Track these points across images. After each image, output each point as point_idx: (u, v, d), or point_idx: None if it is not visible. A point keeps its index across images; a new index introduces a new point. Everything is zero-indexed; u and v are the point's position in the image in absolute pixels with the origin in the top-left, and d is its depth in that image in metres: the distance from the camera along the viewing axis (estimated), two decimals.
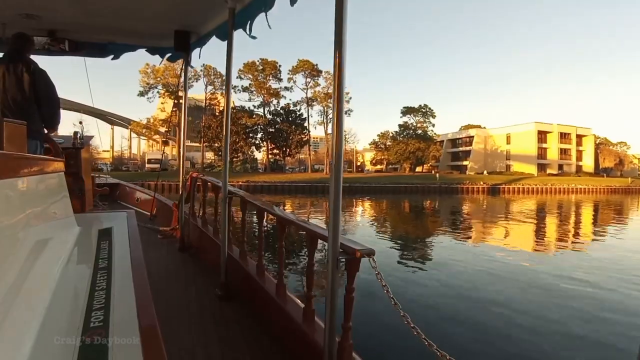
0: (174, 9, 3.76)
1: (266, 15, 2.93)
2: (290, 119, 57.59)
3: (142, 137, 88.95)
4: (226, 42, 3.46)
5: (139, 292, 1.28)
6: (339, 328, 1.99)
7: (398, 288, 7.91)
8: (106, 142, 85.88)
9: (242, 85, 57.50)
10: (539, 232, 18.47)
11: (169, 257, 4.74)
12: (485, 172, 62.95)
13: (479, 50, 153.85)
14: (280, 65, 56.55)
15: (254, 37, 3.25)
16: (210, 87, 57.76)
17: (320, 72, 57.09)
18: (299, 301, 2.68)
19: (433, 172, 63.29)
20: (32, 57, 3.59)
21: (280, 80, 57.64)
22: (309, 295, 2.43)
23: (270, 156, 60.68)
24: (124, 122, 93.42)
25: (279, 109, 58.74)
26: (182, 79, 5.27)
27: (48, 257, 1.42)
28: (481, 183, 48.02)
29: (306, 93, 58.11)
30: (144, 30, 4.35)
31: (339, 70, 1.89)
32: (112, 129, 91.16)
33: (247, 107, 57.71)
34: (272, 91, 56.78)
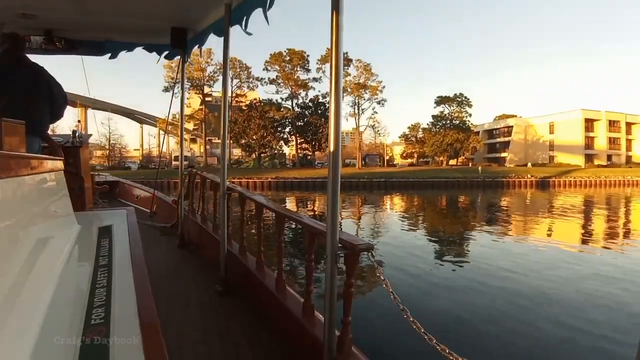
0: (170, 5, 3.80)
1: (265, 13, 2.90)
2: (319, 111, 55.96)
3: (170, 134, 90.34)
4: (222, 38, 3.49)
5: (139, 288, 1.30)
6: (338, 323, 2.02)
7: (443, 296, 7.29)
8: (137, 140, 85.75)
9: (268, 78, 56.51)
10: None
11: (169, 253, 4.80)
12: (529, 164, 58.08)
13: (509, 35, 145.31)
14: (308, 55, 54.73)
15: (249, 33, 3.26)
16: (236, 81, 56.46)
17: (350, 60, 55.03)
18: (299, 296, 2.72)
19: (470, 164, 60.66)
20: (30, 56, 3.59)
21: (308, 70, 56.06)
22: (309, 290, 2.45)
23: (299, 151, 58.94)
24: (152, 121, 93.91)
25: (307, 101, 55.87)
26: (179, 76, 5.26)
27: (48, 255, 1.44)
28: (528, 176, 44.70)
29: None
30: (140, 27, 4.37)
31: (335, 62, 1.92)
32: (141, 127, 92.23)
33: (274, 100, 56.53)
34: (300, 82, 53.56)
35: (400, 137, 67.84)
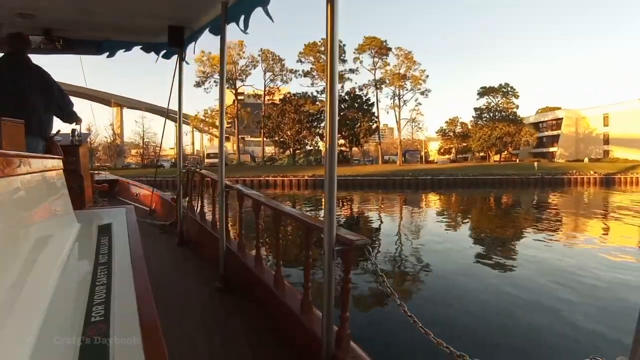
0: (167, 4, 3.85)
1: (265, 9, 2.90)
2: (356, 104, 53.71)
3: (202, 132, 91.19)
4: (219, 36, 3.57)
5: (139, 286, 1.33)
6: (337, 319, 2.06)
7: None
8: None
9: (302, 70, 55.13)
10: None
11: (169, 251, 4.89)
12: (586, 159, 52.80)
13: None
14: (344, 45, 51.90)
15: (245, 32, 3.29)
16: (268, 74, 54.98)
17: (389, 49, 52.68)
18: (297, 292, 2.76)
19: (518, 160, 57.44)
20: (30, 56, 3.67)
21: (344, 61, 53.45)
22: (307, 286, 2.51)
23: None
24: (186, 119, 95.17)
25: (343, 94, 52.50)
26: (176, 76, 5.16)
27: (49, 253, 1.47)
28: (591, 172, 40.70)
29: (374, 74, 50.99)
30: (137, 26, 4.43)
31: (330, 54, 1.93)
32: (177, 126, 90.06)
33: (309, 93, 54.91)
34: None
35: (437, 132, 64.61)
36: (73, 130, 4.91)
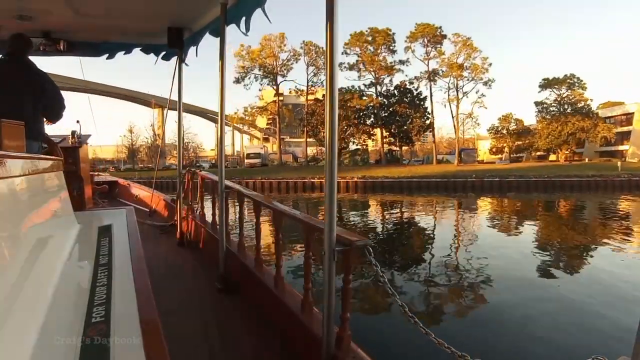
0: (166, 5, 3.87)
1: (264, 10, 2.94)
2: (406, 99, 50.03)
3: (243, 133, 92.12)
4: (219, 38, 3.63)
5: (139, 286, 1.36)
6: (337, 319, 2.10)
7: None
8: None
9: (348, 63, 51.71)
10: None
11: (168, 251, 4.97)
12: None
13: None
14: (394, 33, 48.24)
15: (246, 34, 3.35)
16: (311, 68, 52.75)
17: (444, 36, 48.84)
18: (297, 292, 2.81)
19: (587, 160, 51.88)
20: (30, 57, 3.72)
21: (393, 52, 47.85)
22: (307, 287, 2.55)
23: (384, 146, 53.46)
24: (226, 120, 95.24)
25: (391, 88, 48.22)
26: (175, 78, 5.26)
27: (49, 254, 1.50)
28: None
29: (427, 65, 46.26)
30: (137, 28, 4.45)
31: (330, 46, 1.90)
32: (217, 127, 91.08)
33: (356, 87, 51.70)
34: (385, 65, 45.74)
35: (489, 130, 59.43)
36: (73, 132, 5.07)
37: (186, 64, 4.98)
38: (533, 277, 8.46)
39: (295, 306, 2.59)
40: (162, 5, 3.84)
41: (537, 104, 54.79)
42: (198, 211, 5.49)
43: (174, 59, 5.01)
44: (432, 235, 14.38)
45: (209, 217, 5.14)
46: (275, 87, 53.14)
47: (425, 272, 9.17)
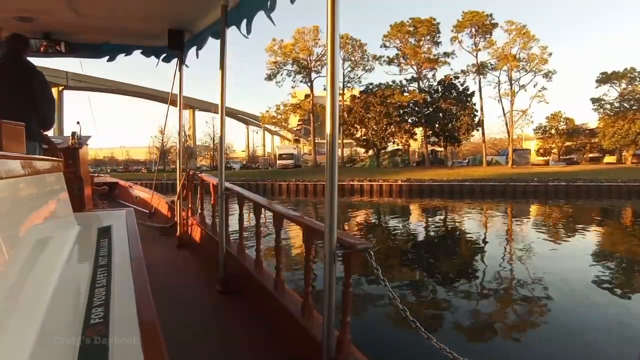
0: (167, 7, 3.94)
1: (268, 15, 2.97)
2: (450, 94, 46.45)
3: (273, 134, 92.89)
4: (219, 40, 3.68)
5: (139, 288, 1.35)
6: (338, 323, 2.11)
7: None
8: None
9: (387, 56, 48.64)
10: None
11: (168, 253, 5.02)
12: None
13: None
14: (438, 23, 45.87)
15: (246, 36, 3.41)
16: (347, 63, 49.68)
17: (495, 25, 44.41)
18: (298, 296, 2.85)
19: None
20: (30, 59, 3.79)
21: (437, 43, 44.44)
22: (308, 290, 2.58)
23: (427, 146, 50.06)
24: (257, 121, 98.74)
25: (434, 83, 44.77)
26: (176, 80, 5.32)
27: (48, 255, 1.52)
28: None
29: (476, 57, 42.08)
30: (137, 30, 4.52)
31: (332, 45, 1.91)
32: (247, 128, 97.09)
33: (397, 82, 48.72)
34: (429, 58, 42.15)
35: (535, 130, 54.80)
36: (73, 133, 5.14)
37: (186, 66, 5.08)
38: None
39: (295, 309, 2.61)
40: (163, 6, 3.90)
41: (594, 100, 49.42)
42: (198, 213, 5.56)
43: (174, 61, 5.13)
44: (504, 254, 11.45)
45: (209, 219, 5.21)
46: (309, 84, 50.67)
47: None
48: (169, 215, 6.46)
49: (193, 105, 73.66)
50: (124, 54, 4.98)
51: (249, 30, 3.30)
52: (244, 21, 3.30)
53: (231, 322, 3.00)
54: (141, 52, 5.02)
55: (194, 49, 4.65)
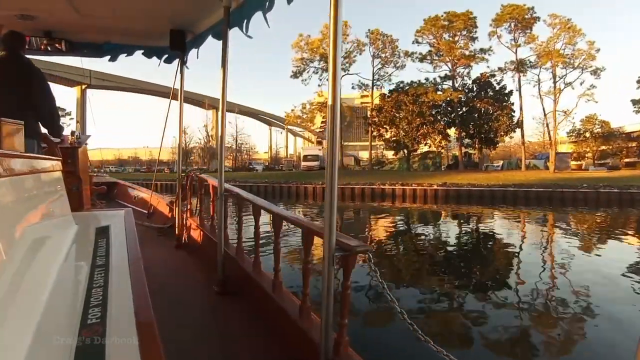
0: (169, 7, 3.99)
1: (265, 16, 3.06)
2: (485, 93, 43.93)
3: (296, 136, 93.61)
4: (221, 41, 3.70)
5: (136, 288, 1.37)
6: (335, 325, 2.14)
7: None
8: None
9: (419, 53, 46.68)
10: None
11: (166, 254, 5.06)
12: None
13: None
14: (475, 17, 43.96)
15: (250, 37, 3.47)
16: (377, 61, 48.42)
17: (537, 19, 41.76)
18: (295, 298, 2.88)
19: None
20: (30, 57, 3.89)
21: (474, 39, 42.23)
22: (306, 292, 2.62)
23: (462, 148, 47.64)
24: (280, 122, 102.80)
25: (468, 81, 43.12)
26: (177, 79, 5.35)
27: (46, 255, 1.54)
28: None
29: (515, 53, 39.38)
30: (139, 30, 4.59)
31: (334, 44, 1.93)
32: (270, 129, 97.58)
33: (430, 80, 46.47)
34: (465, 54, 39.86)
35: (568, 134, 52.39)
36: (72, 132, 5.13)
37: (187, 67, 5.12)
38: None
39: (293, 311, 2.65)
40: (165, 6, 3.94)
41: (634, 102, 46.45)
42: (197, 214, 5.61)
43: (176, 62, 5.24)
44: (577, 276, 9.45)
45: (207, 220, 5.28)
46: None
47: None
48: (168, 216, 6.50)
49: (217, 105, 73.67)
50: (126, 55, 5.02)
51: (246, 29, 3.36)
52: (245, 22, 3.35)
53: (229, 323, 3.04)
54: (142, 53, 5.07)
55: (194, 49, 4.70)
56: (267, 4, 2.94)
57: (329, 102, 1.92)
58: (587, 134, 50.67)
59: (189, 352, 2.51)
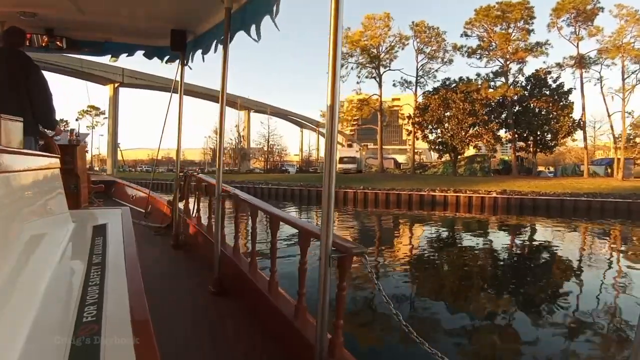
0: (170, 7, 4.07)
1: (273, 20, 2.95)
2: (541, 91, 40.14)
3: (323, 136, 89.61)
4: (223, 42, 3.75)
5: (132, 287, 1.38)
6: (331, 326, 2.17)
7: None
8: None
9: (468, 47, 42.90)
10: None
11: (163, 253, 5.10)
12: None
13: None
14: (532, 6, 39.75)
15: (256, 40, 3.36)
16: (420, 57, 45.08)
17: (600, 9, 37.44)
18: (291, 298, 2.90)
19: None
20: (31, 54, 3.88)
21: (530, 31, 40.47)
22: (301, 293, 2.63)
23: (516, 152, 43.23)
24: (311, 124, 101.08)
25: (522, 77, 41.00)
26: (177, 79, 5.28)
27: (42, 252, 1.56)
28: None
29: (577, 47, 35.85)
30: (140, 29, 4.68)
31: (334, 43, 1.89)
32: (302, 131, 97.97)
33: (482, 75, 42.60)
34: (520, 47, 36.43)
35: (618, 138, 46.22)
36: (72, 130, 5.33)
37: (189, 67, 5.09)
38: None
39: (288, 311, 2.67)
40: (166, 6, 3.99)
41: None
42: (194, 214, 5.66)
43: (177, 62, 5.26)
44: None
45: (205, 220, 5.28)
46: (377, 79, 46.24)
47: None
48: (165, 215, 6.56)
49: (249, 106, 74.83)
50: (127, 54, 5.09)
51: (258, 35, 3.28)
52: (253, 26, 3.27)
53: (225, 323, 3.07)
54: (144, 54, 5.19)
55: (199, 52, 4.62)
56: (274, 8, 2.88)
57: (328, 102, 1.90)
58: (638, 139, 45.10)
59: (184, 351, 2.55)
